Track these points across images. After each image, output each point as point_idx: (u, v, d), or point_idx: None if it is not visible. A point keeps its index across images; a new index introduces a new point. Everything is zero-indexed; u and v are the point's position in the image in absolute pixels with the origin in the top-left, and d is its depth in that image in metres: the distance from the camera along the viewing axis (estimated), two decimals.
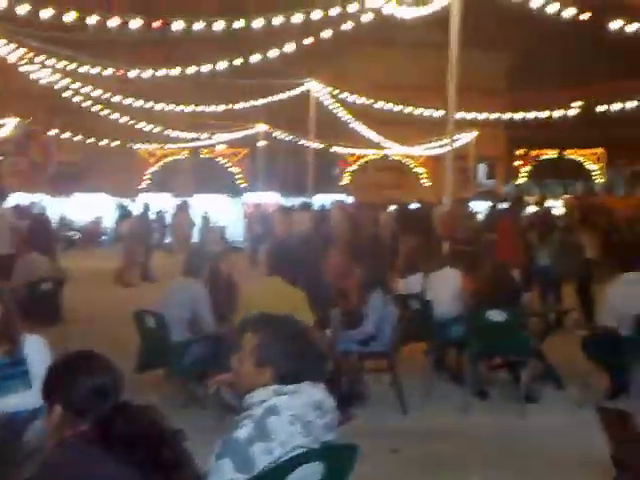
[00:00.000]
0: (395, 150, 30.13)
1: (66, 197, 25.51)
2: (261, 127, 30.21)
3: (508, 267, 6.31)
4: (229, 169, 33.47)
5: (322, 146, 27.07)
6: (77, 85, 18.41)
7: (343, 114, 23.04)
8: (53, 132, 27.06)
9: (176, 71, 17.18)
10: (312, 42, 14.76)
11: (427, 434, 5.53)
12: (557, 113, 18.33)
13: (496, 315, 5.86)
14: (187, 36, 13.33)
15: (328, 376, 3.61)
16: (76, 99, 19.75)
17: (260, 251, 15.21)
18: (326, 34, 14.13)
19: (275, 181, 31.66)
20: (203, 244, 15.13)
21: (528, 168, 40.03)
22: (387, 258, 9.88)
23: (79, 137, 26.52)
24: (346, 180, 34.28)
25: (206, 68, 16.45)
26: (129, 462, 1.86)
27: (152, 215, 18.21)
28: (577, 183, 46.50)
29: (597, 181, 38.98)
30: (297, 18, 12.69)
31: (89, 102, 20.36)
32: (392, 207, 18.22)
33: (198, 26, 12.86)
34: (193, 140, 29.98)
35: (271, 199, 24.54)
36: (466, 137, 27.10)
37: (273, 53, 15.21)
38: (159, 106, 22.23)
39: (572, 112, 18.18)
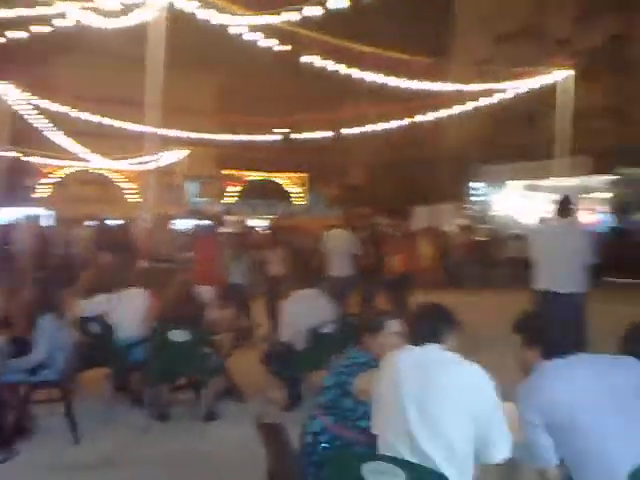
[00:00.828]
0: (98, 163, 28.90)
1: None
2: None
3: (191, 285, 6.27)
4: None
5: (15, 155, 24.94)
6: None
7: (41, 123, 21.42)
8: None
9: None
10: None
11: (104, 463, 5.25)
12: (262, 137, 19.18)
13: (178, 335, 5.78)
14: None
15: None
16: None
17: None
18: (18, 35, 12.99)
19: None
20: None
21: (237, 188, 41.41)
22: (73, 278, 9.25)
23: None
24: (44, 193, 32.00)
25: None
26: None
27: None
28: (281, 204, 49.49)
29: (299, 203, 41.72)
30: None
31: None
32: (92, 222, 17.33)
33: None
34: None
35: None
36: (175, 154, 27.07)
37: None
38: None
39: (274, 137, 19.16)
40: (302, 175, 40.19)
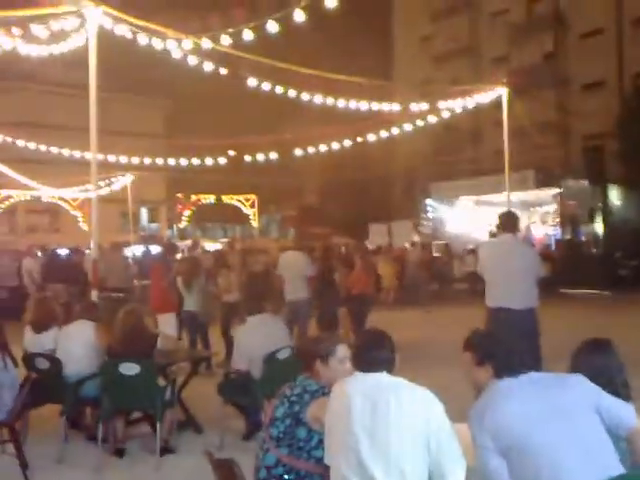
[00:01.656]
0: (46, 192, 28.29)
1: None
2: None
3: (141, 315, 6.13)
4: None
5: None
6: None
7: None
8: None
9: None
10: None
11: None
12: (210, 160, 19.03)
13: (129, 368, 5.65)
14: None
15: None
16: None
17: None
18: None
19: None
20: None
21: (189, 212, 41.01)
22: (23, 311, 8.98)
23: None
24: None
25: None
26: None
27: None
28: (236, 227, 49.25)
29: (252, 225, 41.54)
30: None
31: None
32: (40, 253, 16.95)
33: None
34: None
35: None
36: (123, 180, 26.68)
37: None
38: None
39: (223, 160, 19.04)
40: (251, 196, 40.04)
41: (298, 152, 17.88)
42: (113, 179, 26.01)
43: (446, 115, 16.85)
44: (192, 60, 10.92)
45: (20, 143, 17.69)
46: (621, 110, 30.07)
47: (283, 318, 8.25)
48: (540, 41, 36.63)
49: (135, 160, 19.79)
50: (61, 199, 31.31)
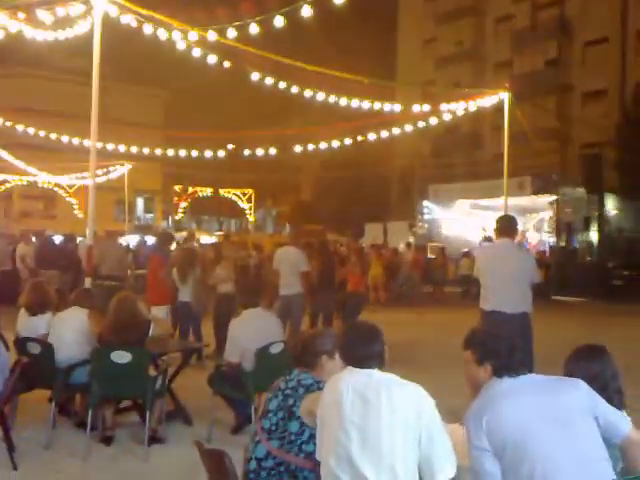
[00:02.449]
0: (43, 177, 28.21)
1: None
2: None
3: (134, 302, 6.11)
4: None
5: None
6: None
7: None
8: None
9: None
10: None
11: None
12: (208, 153, 18.98)
13: (120, 356, 5.63)
14: None
15: None
16: None
17: None
18: None
19: None
20: None
21: (185, 204, 40.98)
22: (16, 295, 8.96)
23: None
24: None
25: None
26: None
27: None
28: (231, 220, 49.26)
29: (247, 219, 41.56)
30: None
31: None
32: (34, 238, 16.88)
33: None
34: None
35: None
36: (120, 169, 26.63)
37: None
38: None
39: (222, 153, 19.00)
40: (248, 191, 40.04)
41: (297, 148, 17.87)
42: (110, 168, 25.96)
43: (447, 117, 16.87)
44: (196, 52, 10.89)
45: (19, 128, 17.64)
46: (621, 119, 30.13)
47: (276, 313, 8.25)
48: (544, 48, 36.67)
49: (133, 149, 19.73)
50: (57, 185, 31.24)
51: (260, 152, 18.29)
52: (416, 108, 16.02)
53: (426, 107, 16.14)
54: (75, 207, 31.53)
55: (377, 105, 15.00)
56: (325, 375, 3.49)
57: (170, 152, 19.65)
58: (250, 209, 40.62)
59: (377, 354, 3.09)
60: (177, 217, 41.66)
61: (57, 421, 6.17)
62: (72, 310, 6.51)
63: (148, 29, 10.24)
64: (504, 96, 16.75)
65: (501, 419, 2.79)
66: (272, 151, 18.32)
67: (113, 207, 36.27)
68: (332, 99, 14.11)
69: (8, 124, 17.31)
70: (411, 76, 41.08)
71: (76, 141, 17.10)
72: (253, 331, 6.15)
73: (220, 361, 6.49)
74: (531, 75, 34.94)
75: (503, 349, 3.04)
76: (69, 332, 6.26)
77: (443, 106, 16.64)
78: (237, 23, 10.30)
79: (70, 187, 31.06)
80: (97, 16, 9.27)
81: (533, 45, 36.74)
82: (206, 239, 26.44)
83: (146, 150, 19.84)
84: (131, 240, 23.13)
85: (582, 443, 2.73)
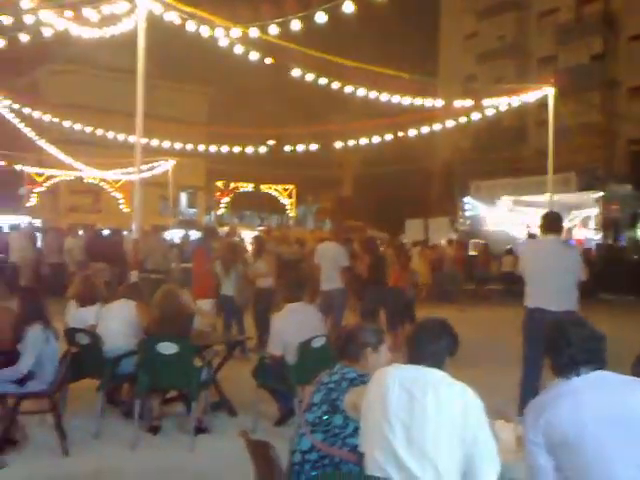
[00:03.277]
0: (88, 173, 28.77)
1: None
2: None
3: (177, 296, 6.23)
4: None
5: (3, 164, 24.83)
6: None
7: (28, 130, 21.29)
8: None
9: None
10: None
11: (93, 476, 5.22)
12: (250, 149, 19.14)
13: (166, 347, 5.75)
14: None
15: None
16: None
17: None
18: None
19: None
20: None
21: (227, 199, 41.35)
22: (64, 287, 9.20)
23: None
24: (33, 201, 31.79)
25: None
26: None
27: None
28: (272, 216, 49.47)
29: (289, 215, 41.71)
30: None
31: None
32: (82, 232, 17.28)
33: None
34: None
35: None
36: (165, 165, 27.02)
37: None
38: None
39: (263, 149, 19.14)
40: (289, 186, 40.17)
41: (338, 144, 17.89)
42: (155, 163, 26.34)
43: (490, 113, 16.68)
44: (238, 49, 10.98)
45: (66, 124, 18.03)
46: None
47: (319, 306, 8.30)
48: (588, 42, 35.95)
49: (177, 146, 20.01)
50: (103, 180, 31.83)
51: (301, 148, 18.36)
52: (458, 104, 15.89)
53: (468, 103, 15.99)
54: (121, 202, 32.11)
55: (418, 101, 14.92)
56: (369, 368, 3.51)
57: (213, 148, 19.86)
58: (291, 205, 40.78)
59: (434, 352, 3.04)
60: (219, 212, 42.05)
61: (105, 410, 6.33)
62: (120, 302, 6.68)
63: (191, 26, 10.38)
64: (549, 91, 16.49)
65: (560, 418, 2.72)
66: (313, 147, 18.37)
67: (158, 202, 36.82)
68: (373, 95, 14.09)
69: (56, 120, 17.72)
70: (453, 71, 40.70)
71: (121, 137, 17.43)
72: (295, 325, 6.21)
73: (263, 354, 6.56)
74: (576, 70, 34.28)
75: (566, 346, 2.89)
76: (117, 323, 6.43)
77: (486, 101, 16.47)
78: (279, 20, 10.36)
79: (116, 182, 31.62)
80: (141, 14, 9.44)
81: (578, 40, 36.04)
82: (247, 234, 26.66)
83: (190, 146, 20.10)
84: (175, 235, 23.46)
85: None
